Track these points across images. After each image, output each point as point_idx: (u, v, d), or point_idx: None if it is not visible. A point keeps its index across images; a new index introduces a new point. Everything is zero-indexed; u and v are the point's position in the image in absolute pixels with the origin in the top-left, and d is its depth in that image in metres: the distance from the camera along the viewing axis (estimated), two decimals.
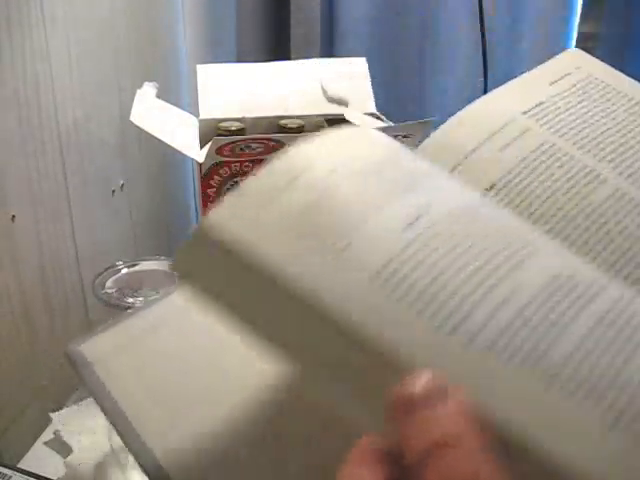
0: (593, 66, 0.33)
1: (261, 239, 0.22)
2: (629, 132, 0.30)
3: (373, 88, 0.71)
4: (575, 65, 0.33)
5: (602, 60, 0.34)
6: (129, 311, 0.31)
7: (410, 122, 0.56)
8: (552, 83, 0.32)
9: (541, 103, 0.31)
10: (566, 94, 0.32)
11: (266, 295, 0.22)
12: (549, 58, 0.34)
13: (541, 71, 0.33)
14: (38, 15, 0.59)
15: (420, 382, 0.19)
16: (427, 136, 0.30)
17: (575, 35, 0.95)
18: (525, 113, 0.31)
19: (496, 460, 0.19)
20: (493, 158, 0.29)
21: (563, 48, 1.00)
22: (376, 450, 0.20)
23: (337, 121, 0.67)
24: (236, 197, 0.23)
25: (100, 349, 0.29)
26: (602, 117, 0.31)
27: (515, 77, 0.33)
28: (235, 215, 0.23)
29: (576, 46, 0.94)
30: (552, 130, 0.30)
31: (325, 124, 0.67)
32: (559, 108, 0.31)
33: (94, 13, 0.69)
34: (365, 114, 0.68)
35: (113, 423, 0.26)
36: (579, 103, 0.31)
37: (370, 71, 0.72)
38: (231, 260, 0.22)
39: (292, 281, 0.21)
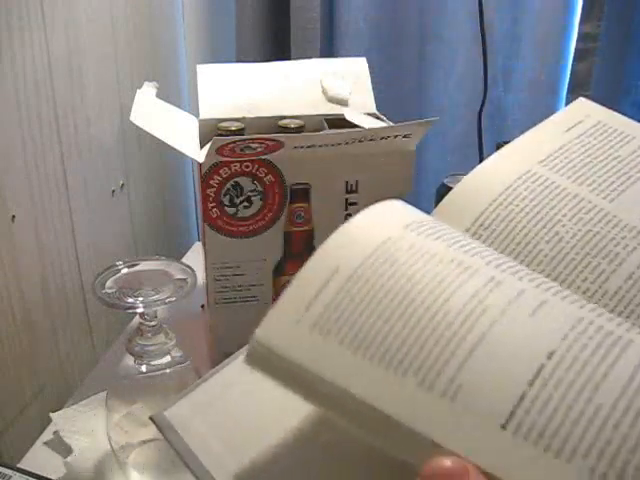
0: (599, 113, 0.35)
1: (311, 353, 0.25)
2: (631, 169, 0.32)
3: (373, 88, 0.71)
4: (585, 113, 0.35)
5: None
6: (204, 377, 0.35)
7: (410, 122, 0.56)
8: (567, 130, 0.34)
9: (559, 149, 0.33)
10: (579, 140, 0.34)
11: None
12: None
13: (554, 121, 0.35)
14: (38, 16, 0.59)
15: (445, 462, 0.22)
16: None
17: (575, 35, 0.94)
18: (541, 162, 0.33)
19: None
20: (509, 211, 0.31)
21: (563, 48, 1.00)
22: None
23: (337, 121, 0.67)
24: (278, 308, 0.26)
25: (181, 412, 0.33)
26: (610, 159, 0.33)
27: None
28: (281, 329, 0.25)
29: (576, 46, 0.93)
30: (566, 176, 0.32)
31: (325, 124, 0.67)
32: (574, 153, 0.33)
33: (94, 14, 0.69)
34: (365, 114, 0.68)
35: (196, 476, 0.30)
36: (590, 148, 0.33)
37: (370, 71, 0.72)
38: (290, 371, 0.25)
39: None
